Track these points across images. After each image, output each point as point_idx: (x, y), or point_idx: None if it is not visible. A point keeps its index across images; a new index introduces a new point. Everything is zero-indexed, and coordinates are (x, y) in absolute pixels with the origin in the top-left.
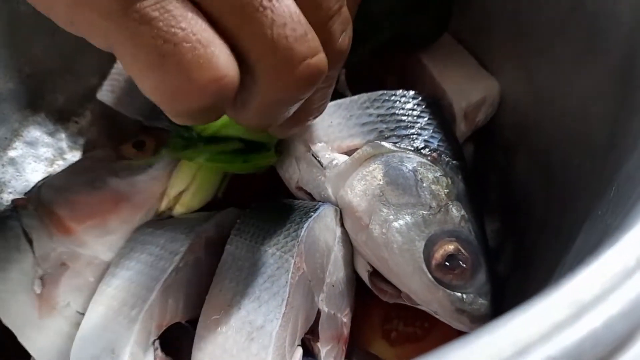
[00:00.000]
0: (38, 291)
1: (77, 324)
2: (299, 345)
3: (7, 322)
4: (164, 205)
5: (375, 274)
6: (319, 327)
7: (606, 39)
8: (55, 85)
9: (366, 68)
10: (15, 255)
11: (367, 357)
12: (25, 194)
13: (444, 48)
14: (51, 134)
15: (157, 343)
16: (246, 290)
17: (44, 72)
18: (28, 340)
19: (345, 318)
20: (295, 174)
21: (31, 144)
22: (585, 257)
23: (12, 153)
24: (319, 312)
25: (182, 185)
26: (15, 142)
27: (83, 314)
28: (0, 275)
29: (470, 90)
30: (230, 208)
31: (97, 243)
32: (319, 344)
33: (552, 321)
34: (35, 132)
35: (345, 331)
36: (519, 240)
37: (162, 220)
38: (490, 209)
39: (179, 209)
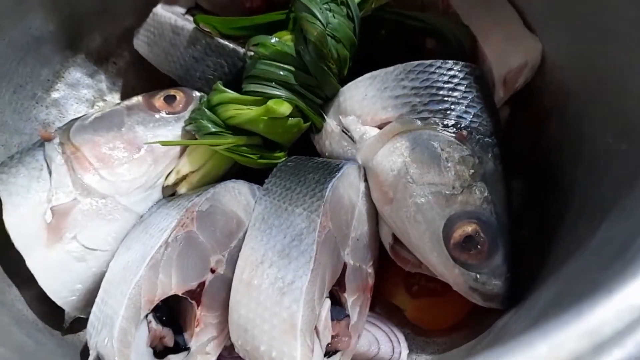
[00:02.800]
0: (48, 220)
1: (82, 259)
2: (327, 297)
3: (19, 246)
4: (171, 179)
5: (397, 244)
6: (346, 279)
7: None
8: (93, 26)
9: (405, 30)
10: (34, 185)
11: (389, 307)
12: (58, 128)
13: (487, 4)
14: (91, 76)
15: (150, 317)
16: (276, 249)
17: (82, 13)
18: (35, 266)
19: (370, 269)
20: (325, 147)
21: (72, 85)
22: (607, 261)
23: (55, 95)
24: (345, 265)
25: (194, 166)
26: (57, 84)
27: (88, 249)
28: (18, 202)
29: (512, 55)
30: (227, 181)
31: (112, 185)
32: (345, 295)
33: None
34: (76, 74)
35: (370, 281)
36: (542, 210)
37: (164, 201)
38: (518, 172)
39: (183, 186)
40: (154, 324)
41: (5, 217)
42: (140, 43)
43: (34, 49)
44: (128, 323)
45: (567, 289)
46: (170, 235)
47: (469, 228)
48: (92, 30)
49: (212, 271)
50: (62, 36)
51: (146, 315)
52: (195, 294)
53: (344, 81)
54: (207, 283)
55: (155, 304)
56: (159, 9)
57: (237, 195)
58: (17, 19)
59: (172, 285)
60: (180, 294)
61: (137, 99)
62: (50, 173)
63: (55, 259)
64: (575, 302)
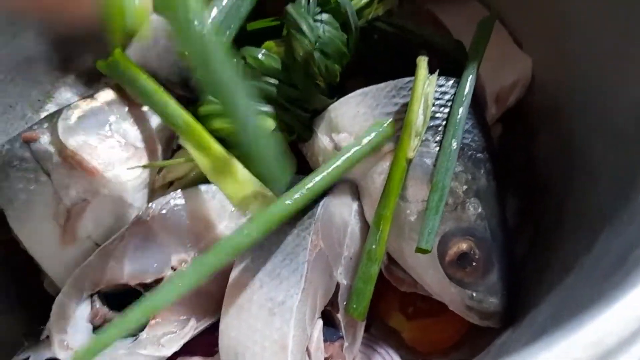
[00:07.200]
0: (62, 222)
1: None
2: (319, 317)
3: (30, 249)
4: (158, 183)
5: (392, 263)
6: (339, 299)
7: None
8: (85, 47)
9: (398, 40)
10: (35, 186)
11: (385, 329)
12: (34, 126)
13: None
14: (82, 96)
15: (95, 297)
16: (267, 268)
17: (75, 33)
18: (49, 266)
19: None
20: (318, 163)
21: (63, 106)
22: (606, 273)
23: (45, 115)
24: (338, 285)
25: (179, 174)
26: (48, 104)
27: (99, 245)
28: (23, 205)
29: (504, 72)
30: (200, 185)
31: (119, 185)
32: (339, 315)
33: None
34: (66, 94)
35: None
36: (539, 226)
37: None
38: (512, 189)
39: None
40: (98, 303)
41: (11, 223)
42: (133, 50)
43: (24, 69)
44: (67, 298)
45: (566, 303)
46: (126, 231)
47: (464, 245)
48: (84, 51)
49: (174, 269)
50: (54, 56)
51: (91, 295)
52: (150, 288)
53: (334, 89)
54: (165, 279)
55: (101, 287)
56: (154, 16)
57: (208, 199)
58: (8, 39)
59: (124, 274)
60: (132, 285)
61: (115, 93)
62: (47, 173)
63: (73, 259)
64: (576, 313)
